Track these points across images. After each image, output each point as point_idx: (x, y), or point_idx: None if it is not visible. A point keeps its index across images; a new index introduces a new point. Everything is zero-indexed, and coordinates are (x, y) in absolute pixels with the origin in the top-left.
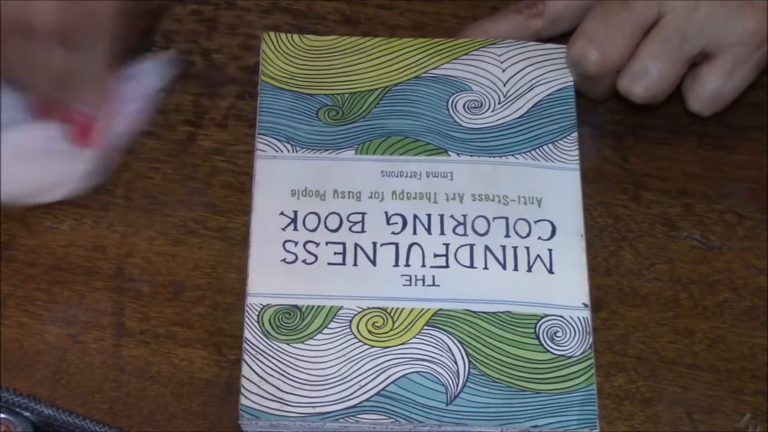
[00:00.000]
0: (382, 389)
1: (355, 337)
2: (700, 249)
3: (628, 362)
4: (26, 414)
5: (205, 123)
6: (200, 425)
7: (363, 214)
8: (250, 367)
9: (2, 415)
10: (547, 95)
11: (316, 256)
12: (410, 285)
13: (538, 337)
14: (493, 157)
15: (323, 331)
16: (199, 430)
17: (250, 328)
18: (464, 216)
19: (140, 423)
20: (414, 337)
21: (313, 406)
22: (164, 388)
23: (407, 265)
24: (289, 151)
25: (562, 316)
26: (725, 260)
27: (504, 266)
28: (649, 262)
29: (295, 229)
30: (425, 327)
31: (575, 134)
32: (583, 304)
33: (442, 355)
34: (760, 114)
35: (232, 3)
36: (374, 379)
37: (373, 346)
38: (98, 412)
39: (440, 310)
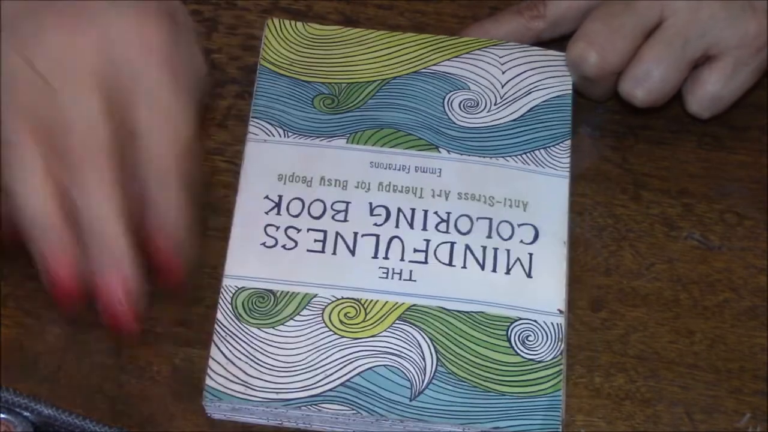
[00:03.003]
0: (348, 380)
1: (326, 327)
2: (700, 249)
3: (628, 362)
4: (26, 414)
5: (205, 123)
6: (200, 425)
7: (347, 203)
8: (219, 349)
9: (2, 415)
10: (544, 101)
11: (296, 242)
12: (387, 278)
13: (509, 340)
14: (483, 157)
15: (295, 318)
16: (199, 430)
17: (223, 310)
18: (448, 213)
19: (140, 423)
20: (385, 330)
21: (277, 392)
22: (164, 388)
23: (386, 257)
24: (280, 135)
25: (535, 321)
26: (725, 260)
27: (482, 266)
28: (649, 262)
29: (278, 213)
30: (397, 321)
31: (568, 142)
32: (558, 310)
33: (410, 351)
34: (760, 114)
35: (232, 3)
36: (340, 369)
37: (343, 337)
38: (98, 412)
39: (414, 305)
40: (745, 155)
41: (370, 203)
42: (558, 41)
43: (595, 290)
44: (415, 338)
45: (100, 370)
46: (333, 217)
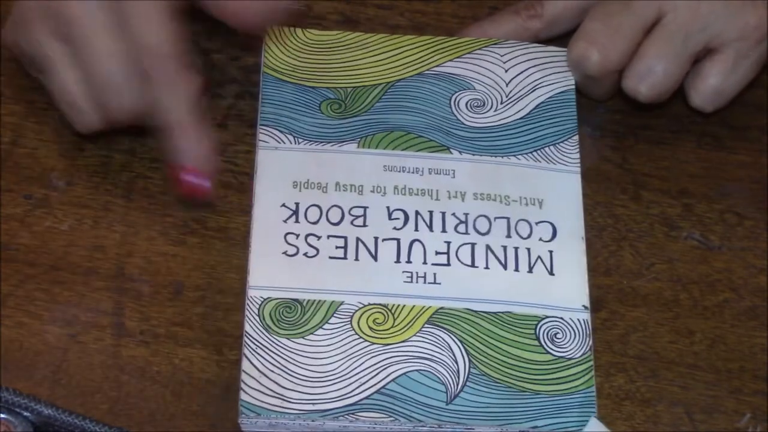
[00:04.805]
0: (383, 387)
1: (356, 334)
2: (700, 249)
3: (628, 362)
4: (26, 414)
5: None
6: (200, 425)
7: (365, 208)
8: (251, 362)
9: (2, 415)
10: (549, 97)
11: (317, 250)
12: (411, 282)
13: (538, 338)
14: (495, 156)
15: (324, 327)
16: (199, 430)
17: (251, 321)
18: (466, 215)
19: (140, 423)
20: (415, 334)
21: (313, 403)
22: (164, 388)
23: (408, 261)
24: (291, 142)
25: (562, 318)
26: (725, 260)
27: (505, 266)
28: (649, 262)
29: (297, 221)
30: (426, 325)
31: (576, 137)
32: (583, 306)
33: (442, 354)
34: (760, 114)
35: None
36: (375, 376)
37: (373, 343)
38: (98, 412)
39: (441, 308)
40: (745, 155)
41: (388, 207)
42: (555, 41)
43: (595, 290)
44: (445, 341)
45: (100, 370)
46: (352, 223)
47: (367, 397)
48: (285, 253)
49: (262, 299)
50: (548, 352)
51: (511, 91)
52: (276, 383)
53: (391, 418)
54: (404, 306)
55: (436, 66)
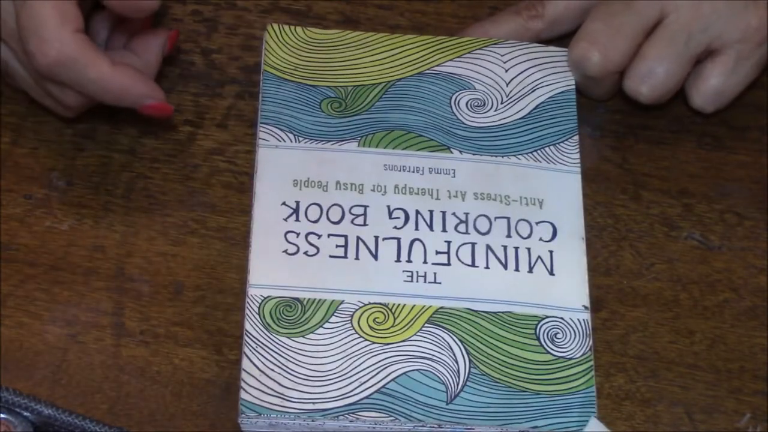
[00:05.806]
0: (383, 386)
1: (356, 333)
2: (700, 249)
3: (628, 362)
4: (26, 414)
5: (205, 123)
6: (200, 425)
7: (365, 207)
8: (251, 361)
9: (2, 415)
10: (549, 97)
11: (317, 248)
12: (411, 281)
13: (538, 338)
14: (496, 156)
15: (324, 326)
16: (199, 430)
17: (251, 320)
18: (466, 214)
19: (140, 423)
20: (415, 334)
21: (314, 402)
22: (164, 388)
23: (409, 260)
24: (291, 140)
25: (562, 318)
26: (725, 260)
27: (505, 266)
28: (649, 262)
29: (297, 219)
30: (426, 324)
31: (576, 137)
32: (583, 306)
33: (443, 354)
34: (760, 114)
35: (232, 3)
36: (375, 376)
37: (374, 342)
38: (98, 412)
39: (441, 307)
40: (745, 155)
41: (388, 206)
42: (556, 41)
43: (595, 290)
44: (445, 341)
45: (100, 370)
46: (352, 222)
47: (367, 397)
48: (285, 251)
49: (263, 298)
50: (548, 352)
51: (511, 91)
52: (276, 382)
53: (392, 418)
54: (404, 305)
55: (437, 65)
